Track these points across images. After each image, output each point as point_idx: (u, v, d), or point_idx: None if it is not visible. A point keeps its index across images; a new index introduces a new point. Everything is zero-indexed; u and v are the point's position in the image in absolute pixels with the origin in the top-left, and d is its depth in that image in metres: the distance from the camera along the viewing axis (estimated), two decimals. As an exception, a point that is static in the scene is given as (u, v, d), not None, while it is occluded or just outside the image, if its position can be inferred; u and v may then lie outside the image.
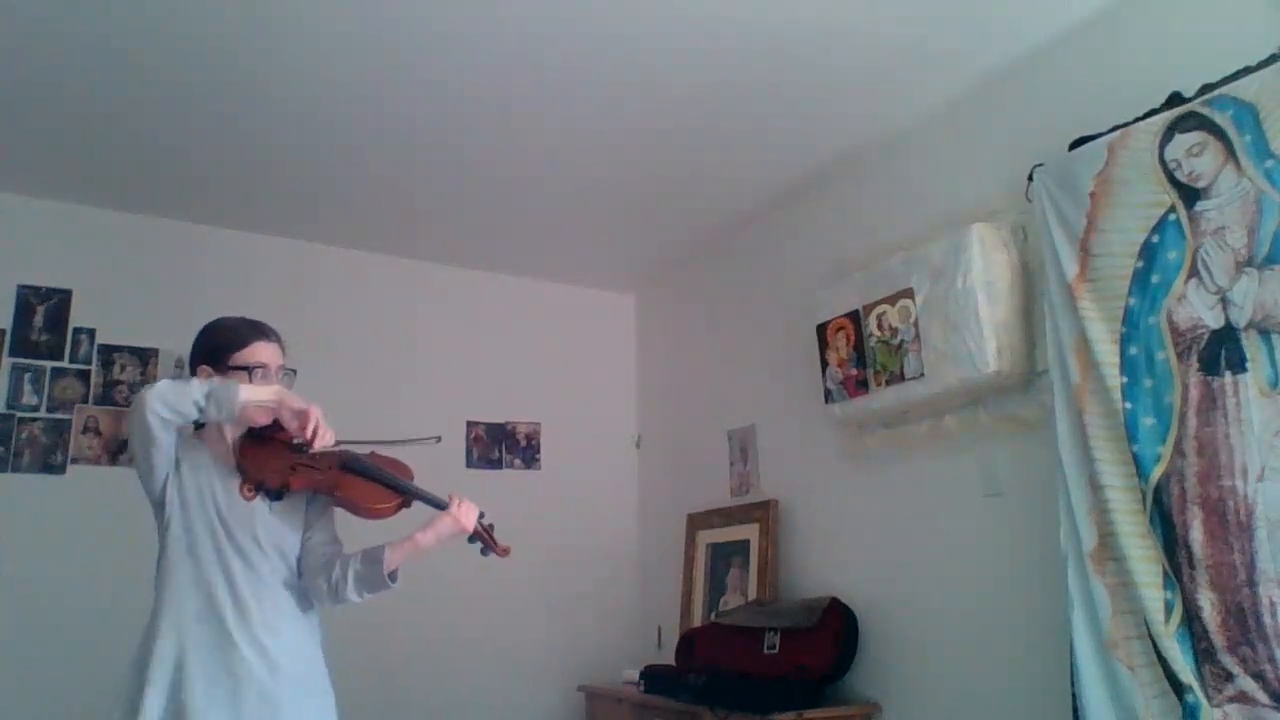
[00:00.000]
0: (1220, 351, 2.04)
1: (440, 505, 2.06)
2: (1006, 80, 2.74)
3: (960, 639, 2.71)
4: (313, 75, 2.70)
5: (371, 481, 2.04)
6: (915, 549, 2.89)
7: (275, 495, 1.97)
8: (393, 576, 1.98)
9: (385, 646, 3.15)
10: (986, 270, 2.58)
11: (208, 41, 2.52)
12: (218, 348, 2.00)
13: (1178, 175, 2.14)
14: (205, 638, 1.85)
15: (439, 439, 2.26)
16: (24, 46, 2.53)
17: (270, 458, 1.97)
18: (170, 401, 1.78)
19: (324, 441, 1.91)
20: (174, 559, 1.90)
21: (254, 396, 1.87)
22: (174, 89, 2.75)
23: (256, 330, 2.03)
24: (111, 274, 3.50)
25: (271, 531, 1.96)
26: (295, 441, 1.95)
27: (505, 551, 2.14)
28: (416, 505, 2.08)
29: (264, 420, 1.96)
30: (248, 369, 1.97)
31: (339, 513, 2.09)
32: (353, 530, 2.10)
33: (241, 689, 1.83)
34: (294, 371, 2.07)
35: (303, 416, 1.91)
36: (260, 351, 2.00)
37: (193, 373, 2.00)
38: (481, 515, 2.11)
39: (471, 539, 2.11)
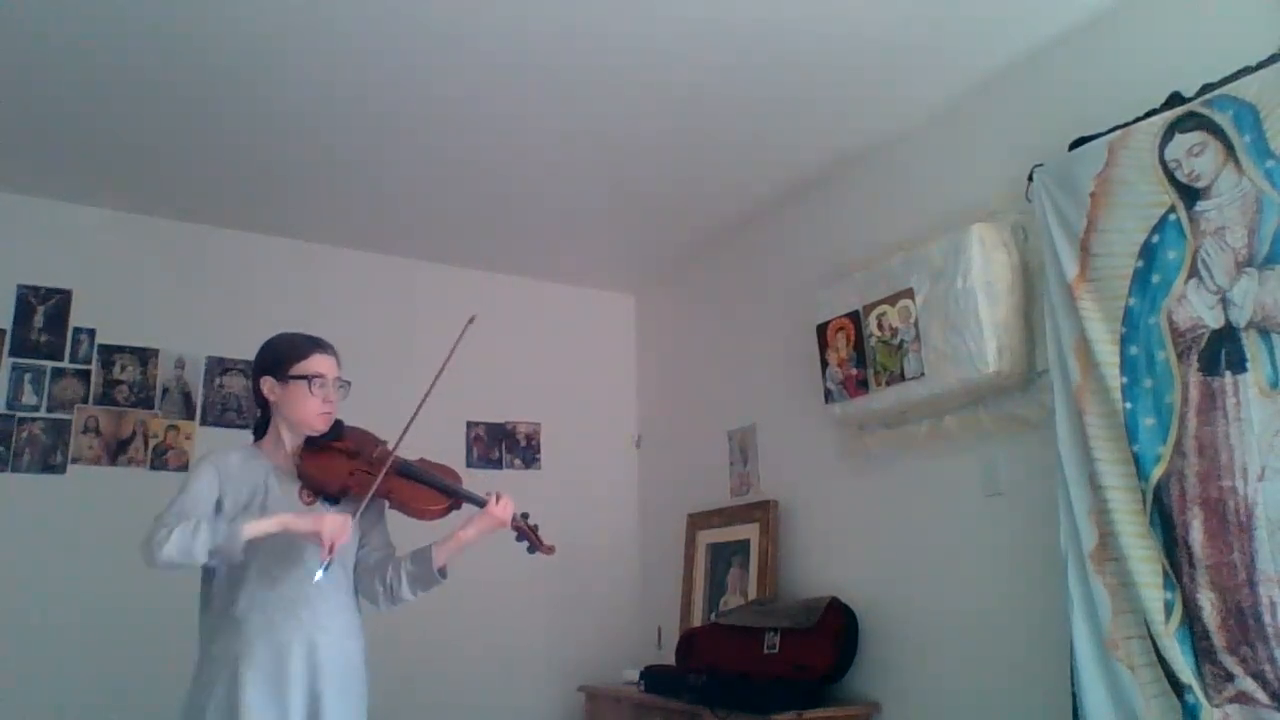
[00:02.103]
0: (1220, 351, 2.04)
1: (482, 504, 2.18)
2: (1006, 80, 2.74)
3: (960, 639, 2.71)
4: (313, 77, 2.70)
5: (424, 485, 2.17)
6: (915, 549, 2.89)
7: (333, 500, 2.10)
8: (442, 572, 2.12)
9: (385, 646, 3.13)
10: (986, 270, 2.58)
11: (208, 43, 2.52)
12: (280, 360, 2.11)
13: (1178, 175, 2.14)
14: (259, 638, 1.94)
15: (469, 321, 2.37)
16: (24, 47, 2.53)
17: (329, 465, 2.08)
18: (175, 559, 1.81)
19: (336, 556, 1.94)
20: (227, 564, 1.97)
21: (257, 531, 1.89)
22: (175, 90, 2.75)
23: (315, 344, 2.16)
24: (111, 274, 3.50)
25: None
26: (310, 565, 1.96)
27: (550, 550, 2.27)
28: (464, 506, 2.20)
29: (322, 427, 2.11)
30: (307, 379, 2.09)
31: (391, 514, 2.21)
32: (406, 530, 2.19)
33: (290, 686, 1.92)
34: (349, 383, 2.19)
35: (314, 538, 1.93)
36: (318, 363, 2.12)
37: (256, 385, 2.13)
38: (526, 515, 2.27)
39: (518, 537, 2.27)
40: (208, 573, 2.02)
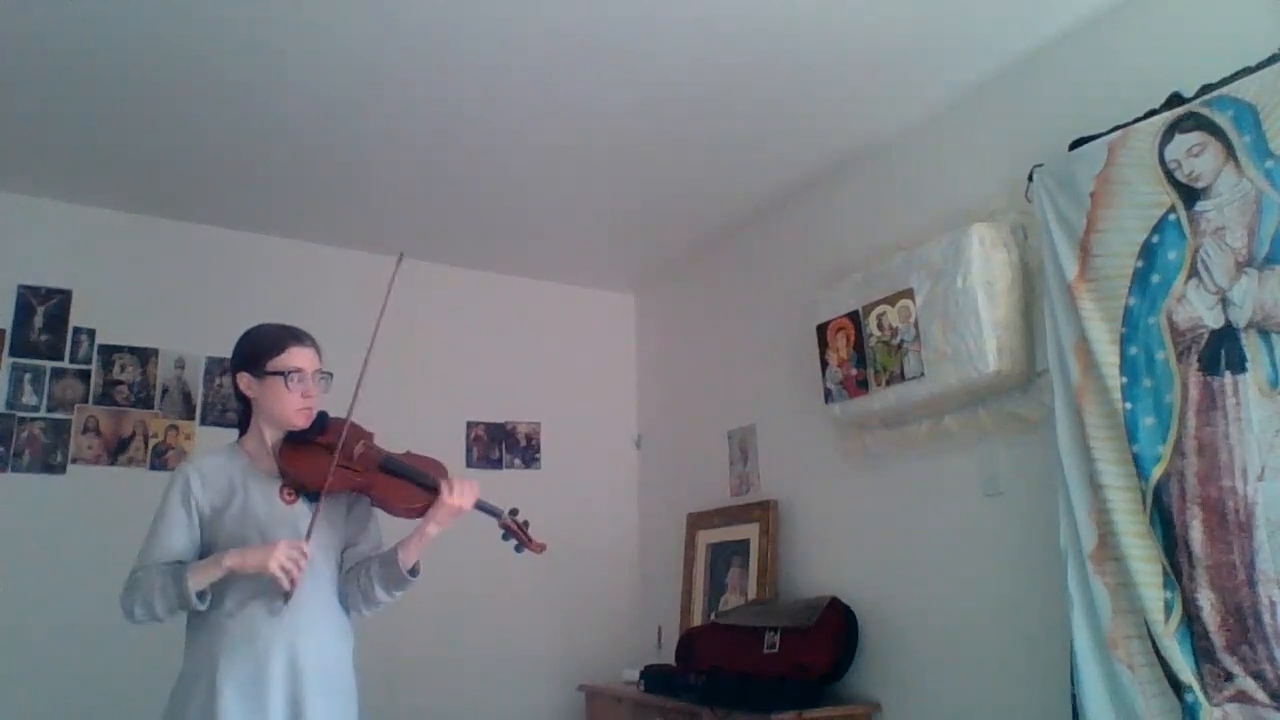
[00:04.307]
0: (1220, 351, 2.05)
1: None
2: (1006, 80, 2.74)
3: (960, 639, 2.71)
4: (312, 77, 2.70)
5: (407, 481, 2.08)
6: (915, 549, 2.89)
7: (314, 497, 2.01)
8: (413, 571, 2.04)
9: (386, 646, 3.15)
10: (986, 270, 2.58)
11: (207, 43, 2.53)
12: (256, 355, 2.04)
13: (1178, 175, 2.14)
14: (239, 638, 1.90)
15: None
16: (24, 48, 2.53)
17: (309, 461, 2.01)
18: (152, 621, 1.87)
19: (298, 582, 1.87)
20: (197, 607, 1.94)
21: (204, 580, 1.85)
22: (174, 89, 2.75)
23: (293, 336, 2.08)
24: (111, 274, 3.50)
25: (312, 534, 1.99)
26: (283, 594, 1.90)
27: (540, 548, 2.17)
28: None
29: (302, 424, 2.04)
30: (284, 374, 2.01)
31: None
32: (395, 526, 2.14)
33: (270, 688, 1.87)
34: (330, 375, 2.10)
35: (263, 572, 1.85)
36: (296, 357, 2.04)
37: (234, 380, 2.07)
38: (515, 512, 2.17)
39: (505, 536, 2.16)
40: None
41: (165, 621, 1.89)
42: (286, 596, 1.88)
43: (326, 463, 2.01)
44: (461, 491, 2.04)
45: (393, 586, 2.04)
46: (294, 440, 2.06)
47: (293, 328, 2.11)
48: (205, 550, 1.97)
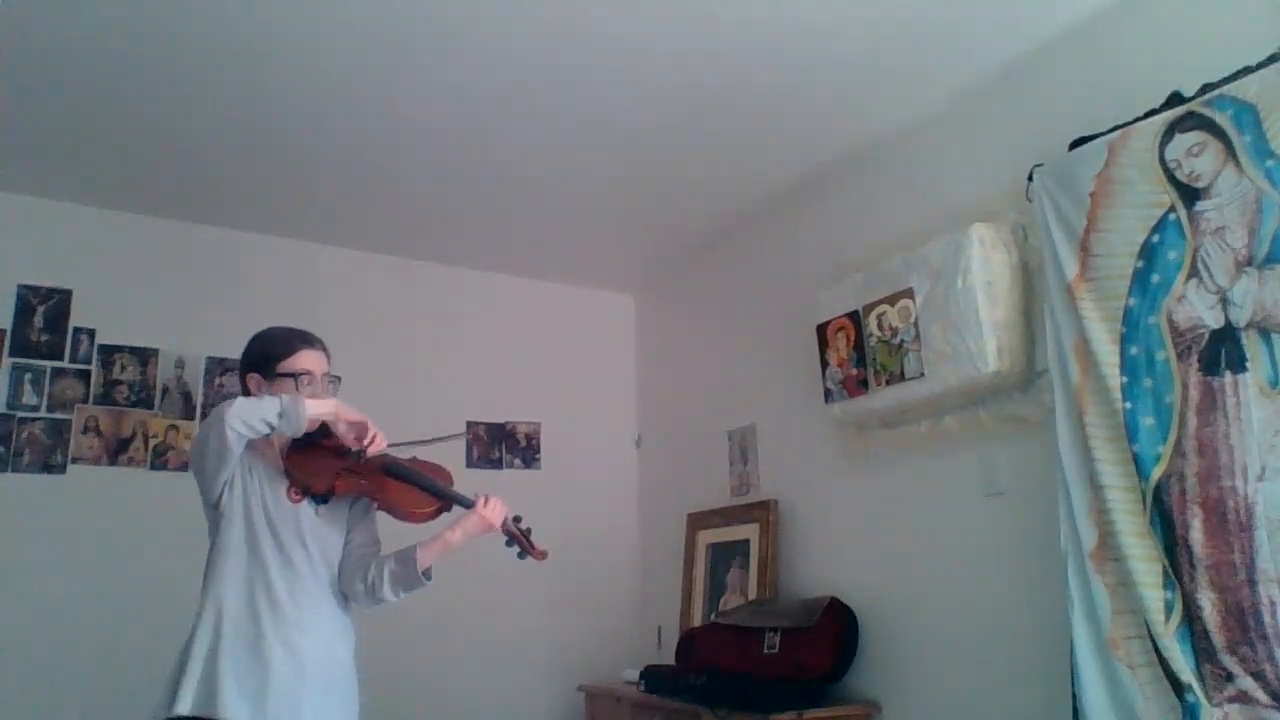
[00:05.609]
0: (1220, 351, 2.05)
1: (472, 506, 2.13)
2: (1006, 80, 2.74)
3: (960, 639, 2.71)
4: (313, 75, 2.70)
5: (412, 486, 2.12)
6: (915, 549, 2.89)
7: (321, 499, 2.06)
8: (427, 574, 2.07)
9: (384, 645, 3.15)
10: (986, 270, 2.58)
11: (208, 41, 2.53)
12: (266, 357, 2.08)
13: (1178, 175, 2.14)
14: (240, 633, 1.92)
15: (464, 434, 2.37)
16: (24, 46, 2.53)
17: (317, 463, 2.04)
18: (249, 420, 1.88)
19: (377, 448, 2.02)
20: (220, 557, 1.98)
21: (317, 411, 1.96)
22: (175, 88, 2.75)
23: (302, 339, 2.11)
24: (111, 274, 3.50)
25: (316, 534, 2.04)
26: (353, 450, 2.03)
27: (542, 555, 2.20)
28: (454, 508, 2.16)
29: (313, 427, 2.04)
30: (294, 376, 2.05)
31: (382, 514, 2.18)
32: (394, 530, 2.16)
33: (269, 684, 1.89)
34: (339, 378, 2.15)
35: (359, 427, 2.03)
36: (306, 359, 2.08)
37: (243, 381, 2.10)
38: (518, 519, 2.20)
39: (509, 542, 2.19)
40: (213, 533, 2.01)
41: (251, 436, 1.90)
42: (358, 454, 2.04)
43: (331, 465, 2.04)
44: (494, 508, 2.12)
45: (402, 586, 2.06)
46: (300, 442, 2.08)
47: (302, 330, 2.14)
48: (217, 504, 2.00)
